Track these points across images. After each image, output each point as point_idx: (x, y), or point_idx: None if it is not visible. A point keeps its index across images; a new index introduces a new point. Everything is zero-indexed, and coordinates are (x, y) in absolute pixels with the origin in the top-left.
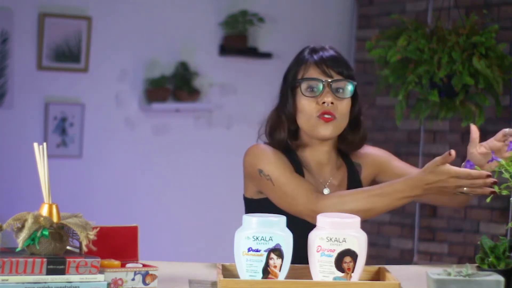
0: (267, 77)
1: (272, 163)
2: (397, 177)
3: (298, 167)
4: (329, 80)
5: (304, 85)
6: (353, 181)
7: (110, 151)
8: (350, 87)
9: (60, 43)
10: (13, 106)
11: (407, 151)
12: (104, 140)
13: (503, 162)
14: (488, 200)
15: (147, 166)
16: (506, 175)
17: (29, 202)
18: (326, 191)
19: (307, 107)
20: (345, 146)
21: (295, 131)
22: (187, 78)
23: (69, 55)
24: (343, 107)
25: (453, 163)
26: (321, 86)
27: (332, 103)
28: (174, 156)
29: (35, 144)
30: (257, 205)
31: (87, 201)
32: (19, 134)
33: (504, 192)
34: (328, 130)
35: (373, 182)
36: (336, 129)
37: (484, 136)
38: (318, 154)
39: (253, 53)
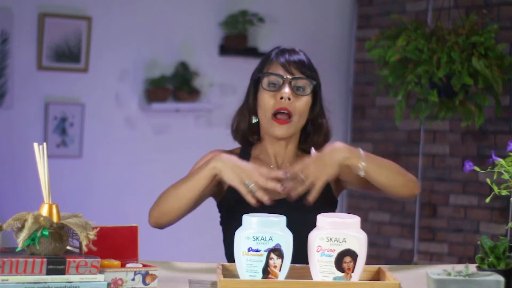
0: None
1: (192, 169)
2: (356, 176)
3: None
4: (290, 77)
5: (265, 80)
6: None
7: (110, 151)
8: (310, 86)
9: (60, 43)
10: (13, 106)
11: (407, 151)
12: (104, 140)
13: (503, 162)
14: (487, 200)
15: (147, 166)
16: (506, 175)
17: (29, 202)
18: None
19: (265, 101)
20: (308, 147)
21: (255, 125)
22: (187, 78)
23: (69, 55)
24: (301, 104)
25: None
26: (281, 82)
27: (289, 99)
28: (174, 156)
29: (35, 144)
30: (219, 209)
31: (87, 201)
32: (19, 134)
33: (504, 192)
34: (282, 130)
35: (338, 180)
36: (291, 129)
37: (484, 136)
38: (275, 145)
39: (253, 53)
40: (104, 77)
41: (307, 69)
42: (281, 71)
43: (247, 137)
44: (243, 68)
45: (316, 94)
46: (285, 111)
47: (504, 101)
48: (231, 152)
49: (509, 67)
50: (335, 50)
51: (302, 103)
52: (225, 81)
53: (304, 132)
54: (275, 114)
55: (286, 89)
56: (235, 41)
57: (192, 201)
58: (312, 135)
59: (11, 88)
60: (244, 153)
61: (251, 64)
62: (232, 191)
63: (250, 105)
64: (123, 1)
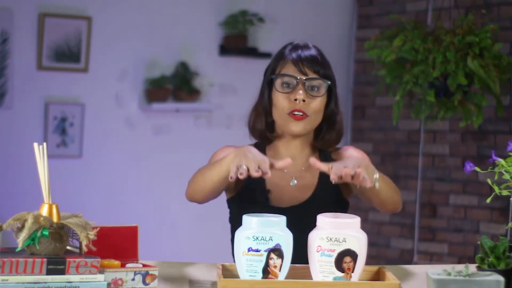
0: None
1: (210, 161)
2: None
3: None
4: (303, 78)
5: (278, 81)
6: (326, 175)
7: (110, 151)
8: (324, 86)
9: (60, 43)
10: (13, 106)
11: (407, 151)
12: (104, 140)
13: (503, 162)
14: (488, 200)
15: (147, 166)
16: (506, 176)
17: (29, 202)
18: (293, 182)
19: (280, 103)
20: (321, 144)
21: (272, 123)
22: (187, 78)
23: (69, 55)
24: (316, 105)
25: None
26: (295, 83)
27: (304, 100)
28: (174, 156)
29: (35, 144)
30: (229, 205)
31: (87, 201)
32: (19, 134)
33: (505, 192)
34: (299, 127)
35: (346, 183)
36: (308, 126)
37: (484, 136)
38: (291, 147)
39: (253, 53)
40: (104, 77)
41: (321, 67)
42: (294, 72)
43: (264, 135)
44: (243, 68)
45: (331, 91)
46: (300, 113)
47: (504, 101)
48: (243, 146)
49: (507, 67)
50: (335, 50)
51: (317, 104)
52: (225, 81)
53: (317, 128)
54: (290, 112)
55: (300, 91)
56: (235, 41)
57: (218, 185)
58: (325, 132)
59: (11, 88)
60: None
61: (251, 64)
62: (247, 190)
63: (264, 105)
64: (123, 1)
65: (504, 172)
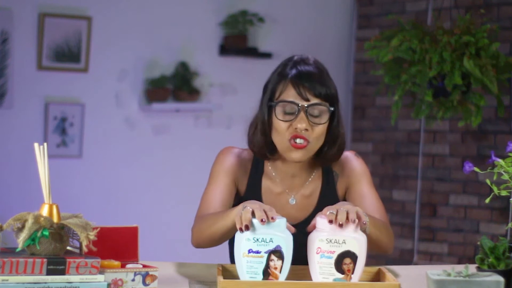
0: (267, 77)
1: (214, 173)
2: (353, 201)
3: (258, 177)
4: (305, 105)
5: (279, 108)
6: (328, 191)
7: (110, 151)
8: (327, 112)
9: (60, 43)
10: (13, 106)
11: (407, 151)
12: (104, 140)
13: (502, 162)
14: (487, 200)
15: (147, 166)
16: (506, 176)
17: (30, 202)
18: (292, 200)
19: (280, 129)
20: (322, 160)
21: (272, 143)
22: (187, 78)
23: (69, 55)
24: (319, 130)
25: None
26: (296, 110)
27: (306, 129)
28: (174, 156)
29: (36, 144)
30: None
31: (87, 201)
32: (19, 134)
33: (504, 193)
34: (299, 155)
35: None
36: (308, 153)
37: (484, 136)
38: (290, 166)
39: (253, 53)
40: (104, 77)
41: (322, 87)
42: (295, 97)
43: (263, 153)
44: (243, 68)
45: (334, 111)
46: (302, 140)
47: (504, 101)
48: (244, 151)
49: (505, 66)
50: (335, 50)
51: (319, 130)
52: (225, 81)
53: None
54: (291, 139)
55: (302, 121)
56: (235, 41)
57: (225, 236)
58: (326, 150)
59: (11, 88)
60: (257, 166)
61: (251, 64)
62: (248, 196)
63: (264, 126)
64: (123, 1)
65: (503, 173)
